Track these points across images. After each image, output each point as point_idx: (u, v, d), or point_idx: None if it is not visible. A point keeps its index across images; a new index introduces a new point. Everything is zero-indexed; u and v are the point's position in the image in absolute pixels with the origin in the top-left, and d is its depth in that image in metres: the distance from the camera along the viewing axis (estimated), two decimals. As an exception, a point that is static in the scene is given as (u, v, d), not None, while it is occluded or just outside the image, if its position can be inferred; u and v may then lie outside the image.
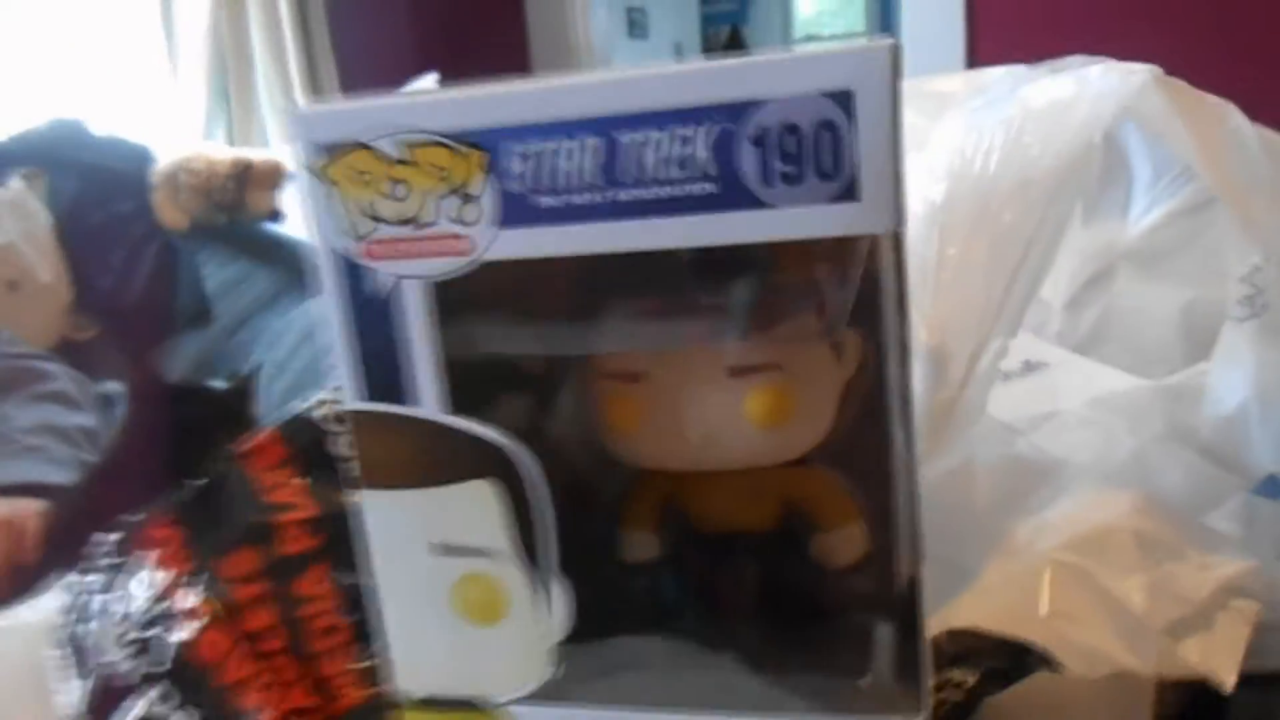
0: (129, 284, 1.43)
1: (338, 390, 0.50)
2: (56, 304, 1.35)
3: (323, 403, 0.48)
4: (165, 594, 0.43)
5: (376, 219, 0.30)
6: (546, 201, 0.28)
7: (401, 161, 0.29)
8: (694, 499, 0.35)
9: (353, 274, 0.31)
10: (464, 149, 0.29)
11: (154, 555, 0.44)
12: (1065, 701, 0.35)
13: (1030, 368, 0.64)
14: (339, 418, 0.48)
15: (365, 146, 0.29)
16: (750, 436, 0.32)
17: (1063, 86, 0.41)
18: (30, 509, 0.81)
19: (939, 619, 0.38)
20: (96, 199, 1.45)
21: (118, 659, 0.42)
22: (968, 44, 1.85)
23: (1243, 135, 0.42)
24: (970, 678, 0.35)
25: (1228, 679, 0.36)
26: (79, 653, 0.44)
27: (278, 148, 1.72)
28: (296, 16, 1.84)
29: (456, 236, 0.29)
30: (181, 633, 0.41)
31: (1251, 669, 0.38)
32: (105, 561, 0.46)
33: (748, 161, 0.27)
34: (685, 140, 0.27)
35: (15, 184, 1.37)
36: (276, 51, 1.81)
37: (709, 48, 4.73)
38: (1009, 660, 0.34)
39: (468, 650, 0.33)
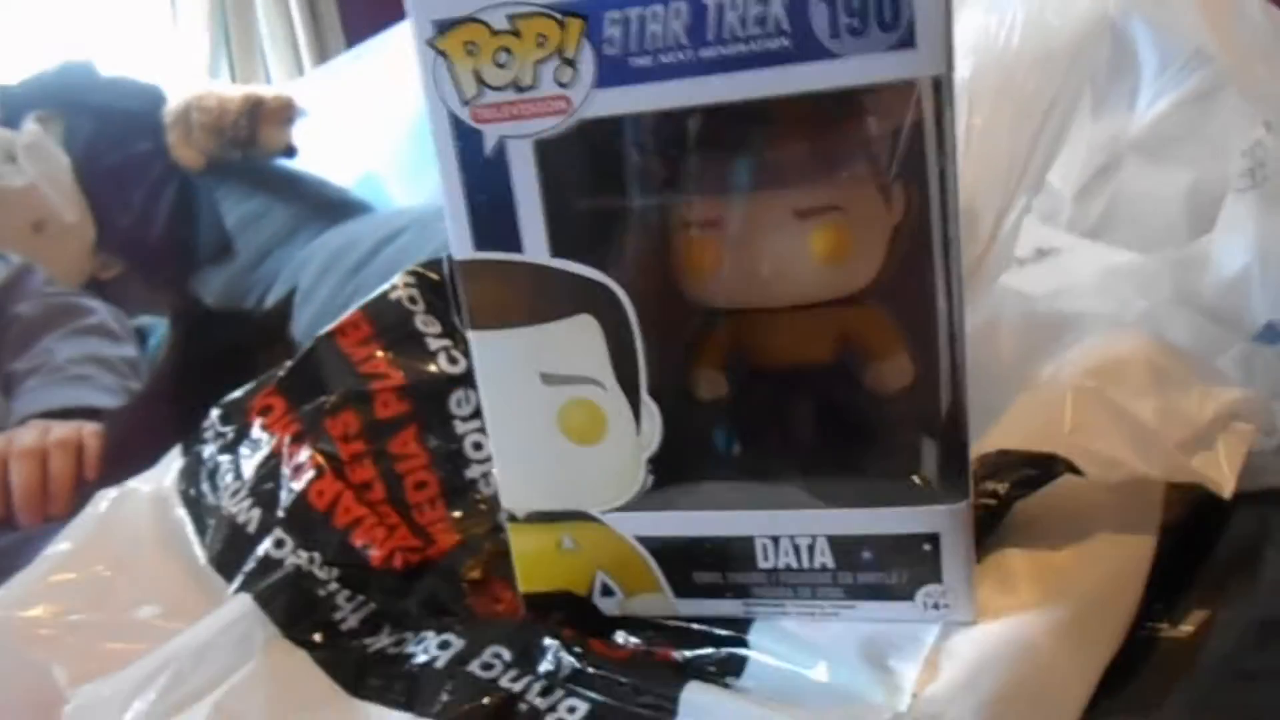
0: (150, 222, 1.46)
1: (410, 274, 0.54)
2: (82, 243, 1.38)
3: (400, 285, 0.53)
4: (276, 452, 0.48)
5: (484, 84, 0.34)
6: (638, 62, 0.33)
7: (507, 31, 0.33)
8: (759, 338, 0.40)
9: (463, 135, 0.35)
10: (564, 17, 0.33)
11: (262, 420, 0.49)
12: (1085, 505, 0.40)
13: (1043, 254, 0.68)
14: (413, 299, 0.53)
15: (474, 20, 0.33)
16: (815, 272, 0.37)
17: (1076, -35, 0.45)
18: (88, 428, 0.85)
19: (972, 450, 0.42)
20: (112, 140, 1.47)
21: (237, 512, 0.47)
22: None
23: (1249, 8, 0.45)
24: (1002, 487, 0.40)
25: (1227, 487, 0.41)
26: (200, 510, 0.49)
27: (280, 85, 1.74)
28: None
29: (557, 98, 0.34)
30: (295, 484, 0.46)
31: (1246, 487, 0.43)
32: (215, 430, 0.51)
33: (818, 17, 0.31)
34: (763, 1, 0.31)
35: (31, 127, 1.39)
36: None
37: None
38: (1037, 469, 0.39)
39: (571, 468, 0.38)
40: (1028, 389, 0.44)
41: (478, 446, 0.50)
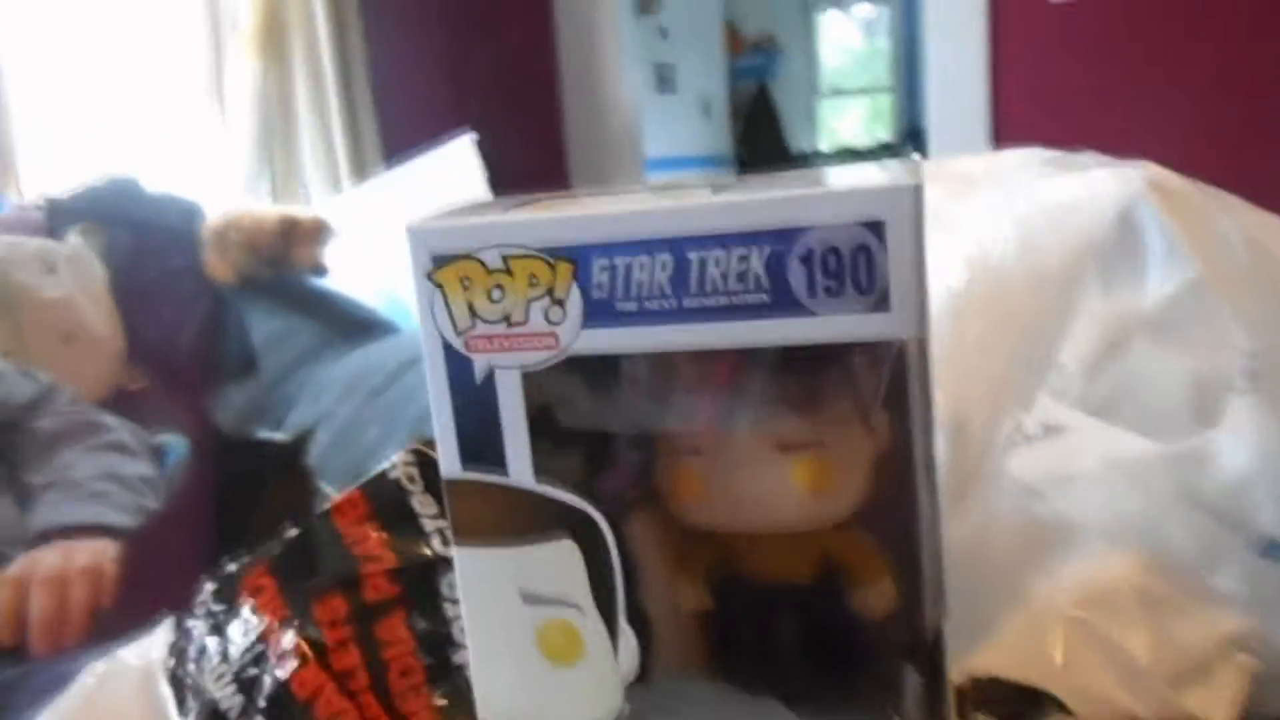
0: (179, 336, 1.49)
1: (410, 453, 0.55)
2: (110, 355, 1.41)
3: (399, 464, 0.53)
4: (264, 637, 0.48)
5: (476, 317, 0.35)
6: (624, 305, 0.34)
7: (500, 270, 0.35)
8: (742, 555, 0.40)
9: (454, 361, 0.36)
10: (555, 260, 0.34)
11: (253, 602, 0.49)
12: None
13: (1050, 431, 0.68)
14: (411, 478, 0.54)
15: (471, 257, 0.35)
16: (797, 502, 0.37)
17: (1069, 189, 0.46)
18: (108, 553, 0.86)
19: (962, 667, 0.42)
20: (150, 254, 1.51)
21: (220, 696, 0.47)
22: (991, 94, 1.91)
23: (1228, 233, 0.46)
24: None
25: (1223, 724, 0.40)
26: (184, 690, 0.49)
27: (319, 205, 1.80)
28: (341, 79, 1.92)
29: (546, 334, 0.35)
30: (279, 671, 0.46)
31: (1251, 717, 0.42)
32: (207, 607, 0.51)
33: (796, 276, 0.32)
34: (743, 258, 0.32)
35: (74, 239, 1.44)
36: (321, 112, 1.89)
37: (736, 102, 4.85)
38: (1026, 705, 0.39)
39: (549, 687, 0.38)
40: (1020, 609, 0.44)
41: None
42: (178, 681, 0.49)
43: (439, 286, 0.35)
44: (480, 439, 0.36)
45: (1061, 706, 0.38)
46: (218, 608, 0.51)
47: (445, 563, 0.51)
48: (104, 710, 0.47)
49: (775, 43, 5.08)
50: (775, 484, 0.37)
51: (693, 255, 0.33)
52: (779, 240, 0.32)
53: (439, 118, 2.10)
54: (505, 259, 0.34)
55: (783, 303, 0.32)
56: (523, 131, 2.17)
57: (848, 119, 5.26)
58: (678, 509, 0.39)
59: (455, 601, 0.50)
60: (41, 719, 0.47)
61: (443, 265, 0.35)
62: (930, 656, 0.39)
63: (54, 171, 1.64)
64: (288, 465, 1.03)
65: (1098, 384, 0.76)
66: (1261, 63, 1.68)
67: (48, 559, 0.81)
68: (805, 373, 0.36)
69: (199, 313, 1.49)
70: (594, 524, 0.36)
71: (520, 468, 0.36)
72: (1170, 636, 0.41)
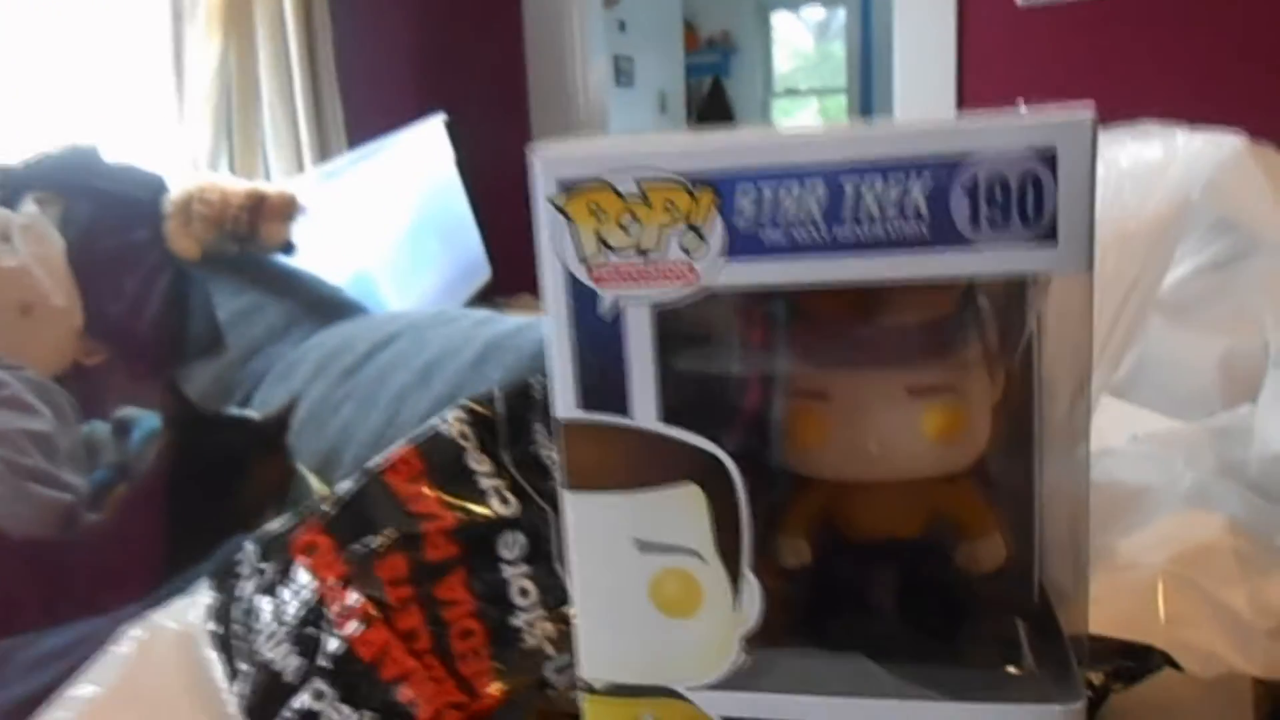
0: (141, 311, 1.43)
1: (463, 409, 0.53)
2: (68, 328, 1.35)
3: (452, 421, 0.51)
4: (320, 596, 0.45)
5: (606, 247, 0.34)
6: (769, 236, 0.32)
7: (635, 197, 0.33)
8: (848, 509, 0.39)
9: (578, 294, 0.34)
10: (696, 187, 0.32)
11: (307, 561, 0.47)
12: (1177, 700, 0.39)
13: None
14: (465, 435, 0.52)
15: (603, 183, 0.33)
16: (925, 450, 0.36)
17: (1151, 150, 0.46)
18: None
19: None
20: (110, 226, 1.45)
21: (273, 657, 0.44)
22: (957, 96, 1.93)
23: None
24: (1098, 677, 0.38)
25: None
26: (232, 653, 0.46)
27: (281, 182, 1.74)
28: (305, 58, 1.87)
29: (682, 266, 0.33)
30: (342, 632, 0.44)
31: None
32: (252, 566, 0.48)
33: (959, 207, 0.31)
34: (902, 187, 0.31)
35: (30, 208, 1.38)
36: (283, 88, 1.83)
37: (691, 98, 4.86)
38: (1134, 661, 0.38)
39: (660, 640, 0.36)
40: (1107, 569, 0.43)
41: (524, 593, 0.48)
42: (224, 644, 0.46)
43: (566, 215, 0.34)
44: (602, 378, 0.34)
45: (1172, 662, 0.38)
46: (264, 565, 0.48)
47: (503, 523, 0.49)
48: (145, 678, 0.44)
49: (731, 40, 5.10)
50: (904, 430, 0.36)
51: (848, 184, 0.31)
52: (943, 169, 0.31)
53: (403, 99, 2.06)
54: (641, 185, 0.33)
55: (942, 235, 0.31)
56: (488, 115, 2.13)
57: (800, 118, 5.31)
58: (794, 455, 0.37)
59: (512, 563, 0.49)
60: (77, 688, 0.44)
61: (571, 192, 0.33)
62: (1045, 610, 0.38)
63: (8, 144, 1.56)
64: (269, 442, 0.99)
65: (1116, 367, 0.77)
66: (1224, 65, 1.73)
67: None
68: (940, 309, 0.35)
69: (161, 286, 1.44)
70: (720, 469, 0.34)
71: (645, 409, 0.34)
72: (1263, 594, 0.41)
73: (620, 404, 0.34)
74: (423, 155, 1.79)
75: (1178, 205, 0.43)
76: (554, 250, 0.34)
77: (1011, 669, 0.36)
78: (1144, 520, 0.46)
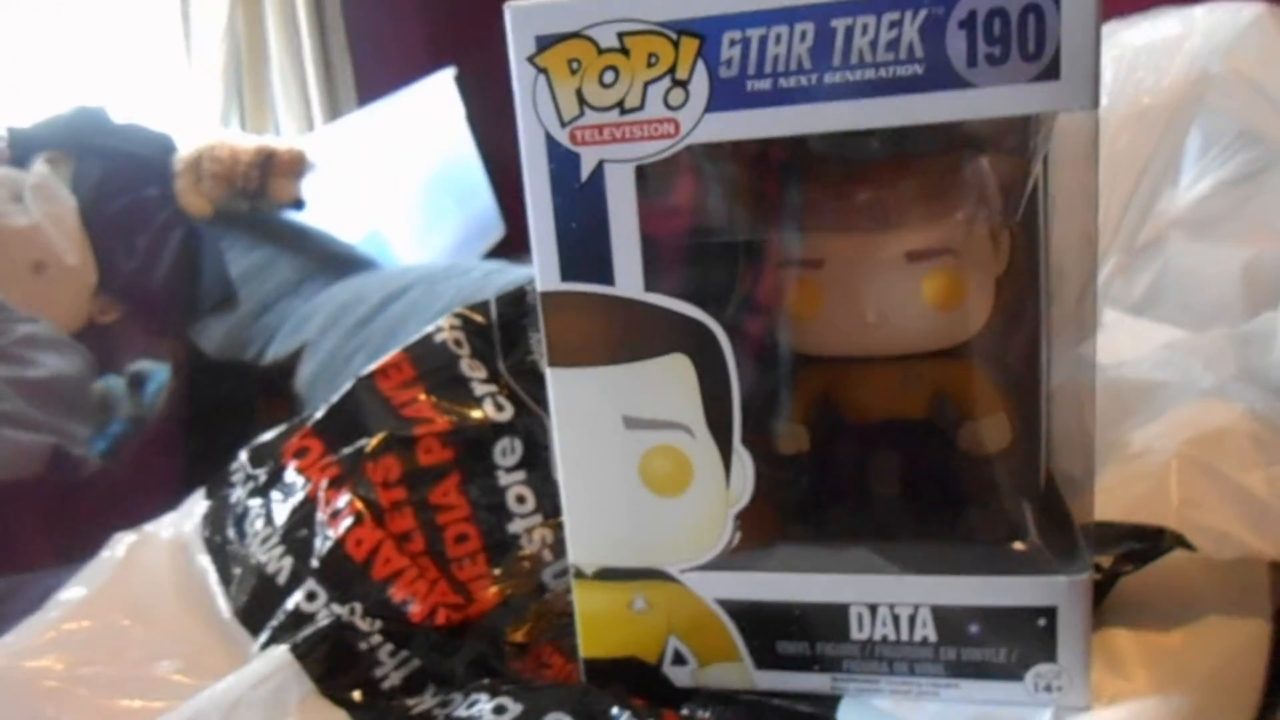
0: (153, 268, 1.44)
1: (456, 317, 0.52)
2: (83, 286, 1.35)
3: (445, 328, 0.50)
4: (311, 498, 0.44)
5: (585, 105, 0.32)
6: (755, 85, 0.31)
7: (615, 49, 0.31)
8: (848, 390, 0.37)
9: (558, 158, 0.33)
10: (678, 36, 0.31)
11: (296, 464, 0.46)
12: (1190, 582, 0.37)
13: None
14: (459, 342, 0.50)
15: (581, 36, 0.32)
16: (925, 318, 0.34)
17: (1168, 25, 0.44)
18: None
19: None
20: (121, 184, 1.46)
21: (266, 560, 0.43)
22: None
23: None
24: (1106, 560, 0.37)
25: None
26: (226, 558, 0.45)
27: (297, 139, 1.74)
28: (313, 14, 1.85)
29: (665, 120, 0.32)
30: (331, 531, 0.43)
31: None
32: (244, 473, 0.48)
33: (954, 43, 0.29)
34: (894, 24, 0.29)
35: (40, 167, 1.38)
36: (292, 46, 1.82)
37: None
38: (1144, 542, 0.37)
39: (650, 521, 0.35)
40: (1118, 460, 0.42)
41: (520, 500, 0.47)
42: (217, 550, 0.46)
43: (543, 72, 0.32)
44: (584, 245, 0.33)
45: (1181, 543, 0.36)
46: (256, 471, 0.47)
47: (499, 429, 0.48)
48: (137, 579, 0.44)
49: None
50: (903, 297, 0.34)
51: (837, 23, 0.30)
52: (937, 2, 0.29)
53: (413, 54, 2.03)
54: (621, 36, 0.31)
55: (938, 75, 0.29)
56: (500, 71, 2.11)
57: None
58: (788, 330, 0.36)
59: (509, 470, 0.47)
60: (66, 591, 0.44)
61: (547, 47, 0.32)
62: (1051, 493, 0.37)
63: (17, 105, 1.56)
64: (275, 388, 0.99)
65: (1134, 283, 0.74)
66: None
67: None
68: (939, 167, 0.33)
69: (173, 243, 1.44)
70: (709, 337, 0.33)
71: (629, 277, 0.33)
72: (1283, 479, 0.39)
73: (604, 272, 0.33)
74: (433, 110, 1.78)
75: (1195, 78, 0.41)
76: (534, 113, 0.33)
77: (1017, 545, 0.35)
78: (1158, 413, 0.44)
